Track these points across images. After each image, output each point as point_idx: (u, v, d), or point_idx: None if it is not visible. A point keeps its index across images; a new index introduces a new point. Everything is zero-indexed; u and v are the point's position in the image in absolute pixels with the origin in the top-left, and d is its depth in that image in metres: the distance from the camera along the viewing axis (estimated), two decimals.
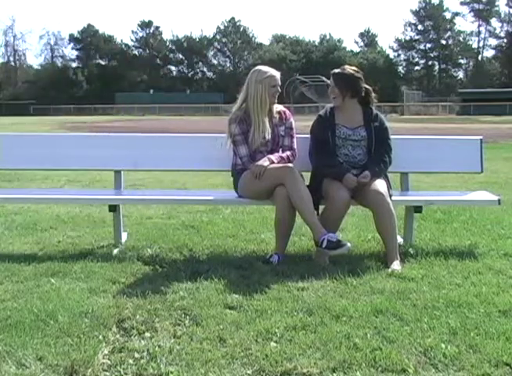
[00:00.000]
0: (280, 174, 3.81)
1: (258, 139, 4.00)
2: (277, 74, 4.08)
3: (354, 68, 4.18)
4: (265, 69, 4.10)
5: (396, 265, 3.70)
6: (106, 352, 2.43)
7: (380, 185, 3.92)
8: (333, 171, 3.97)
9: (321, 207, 4.04)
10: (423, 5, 76.91)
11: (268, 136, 4.03)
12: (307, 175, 4.12)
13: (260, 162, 3.93)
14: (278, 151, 4.09)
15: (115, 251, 4.10)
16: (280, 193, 3.80)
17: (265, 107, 4.01)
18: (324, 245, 3.66)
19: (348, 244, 3.70)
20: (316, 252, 3.92)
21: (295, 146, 4.14)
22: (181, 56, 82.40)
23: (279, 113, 4.15)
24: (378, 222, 3.89)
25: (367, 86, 4.17)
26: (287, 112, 4.21)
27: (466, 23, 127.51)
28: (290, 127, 4.15)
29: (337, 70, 4.15)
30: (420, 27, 77.69)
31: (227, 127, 4.09)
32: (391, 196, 3.95)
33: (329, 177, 3.97)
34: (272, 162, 3.93)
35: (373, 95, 4.20)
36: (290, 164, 3.90)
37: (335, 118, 4.11)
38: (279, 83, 4.08)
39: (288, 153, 4.08)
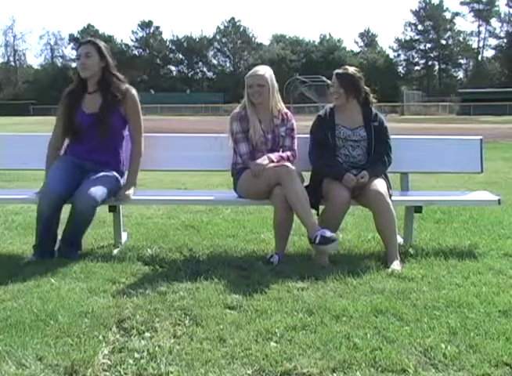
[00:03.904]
0: (277, 172, 3.81)
1: (254, 137, 4.01)
2: (258, 74, 4.06)
3: (355, 68, 4.19)
4: (253, 68, 4.18)
5: (396, 265, 3.70)
6: (106, 352, 2.43)
7: (380, 185, 3.92)
8: (332, 171, 3.97)
9: (321, 208, 4.04)
10: (423, 5, 76.92)
11: (269, 136, 4.04)
12: (307, 175, 4.12)
13: (259, 161, 3.93)
14: (278, 151, 4.10)
15: (115, 251, 4.10)
16: (278, 193, 3.80)
17: (252, 106, 4.06)
18: (317, 241, 3.66)
19: (337, 239, 3.69)
20: (316, 252, 3.92)
21: (295, 147, 4.14)
22: (181, 56, 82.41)
23: (281, 113, 4.16)
24: (378, 221, 3.89)
25: (366, 87, 4.17)
26: (289, 113, 4.23)
27: (466, 23, 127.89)
28: (291, 128, 4.16)
29: (341, 71, 4.14)
30: (420, 27, 77.70)
31: (228, 125, 4.11)
32: (390, 196, 3.95)
33: (329, 177, 3.97)
34: (272, 161, 3.94)
35: (372, 95, 4.20)
36: (288, 163, 3.90)
37: (335, 118, 4.11)
38: (259, 82, 4.04)
39: (288, 153, 4.08)
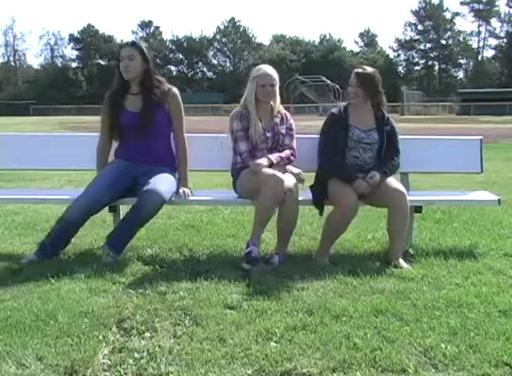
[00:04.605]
0: (262, 179, 3.78)
1: (255, 136, 4.01)
2: (270, 74, 4.04)
3: (374, 69, 4.09)
4: (260, 67, 4.14)
5: (403, 263, 3.72)
6: (106, 352, 2.43)
7: (398, 184, 3.94)
8: (343, 174, 3.91)
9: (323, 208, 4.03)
10: (423, 5, 76.91)
11: (269, 134, 4.04)
12: (308, 175, 4.11)
13: (259, 160, 3.93)
14: (278, 149, 4.09)
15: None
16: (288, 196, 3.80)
17: (256, 105, 4.04)
18: (246, 251, 3.72)
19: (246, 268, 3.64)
20: (316, 252, 3.92)
21: (295, 146, 4.15)
22: (181, 56, 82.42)
23: (280, 113, 4.17)
24: (394, 219, 3.86)
25: (381, 89, 4.09)
26: (287, 114, 4.24)
27: (466, 23, 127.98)
28: (290, 127, 4.17)
29: (361, 70, 4.04)
30: (420, 27, 77.69)
31: (228, 123, 4.11)
32: None
33: (339, 178, 3.91)
34: (271, 162, 3.93)
35: (384, 97, 4.12)
36: (280, 176, 3.78)
37: (349, 119, 4.04)
38: (272, 82, 4.04)
39: (288, 152, 4.08)
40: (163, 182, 3.89)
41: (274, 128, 4.08)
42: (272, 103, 4.12)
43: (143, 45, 4.11)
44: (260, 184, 3.78)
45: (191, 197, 4.08)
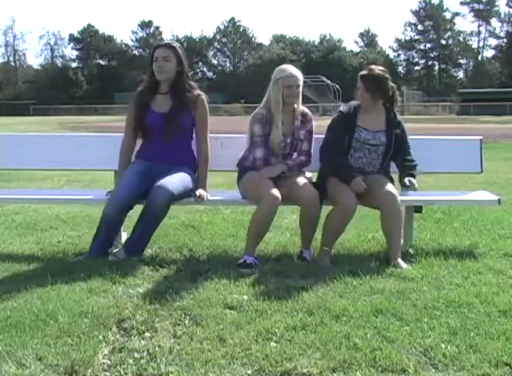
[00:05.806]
0: (259, 193, 3.79)
1: (275, 142, 3.95)
2: (295, 75, 3.93)
3: (381, 68, 4.05)
4: (285, 68, 4.00)
5: (402, 263, 3.72)
6: (106, 352, 2.43)
7: (390, 186, 3.93)
8: (342, 173, 3.91)
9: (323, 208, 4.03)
10: (423, 5, 76.87)
11: (288, 140, 3.99)
12: (314, 175, 4.11)
13: (272, 168, 3.93)
14: (293, 155, 4.06)
15: (115, 251, 4.08)
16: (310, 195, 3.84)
17: (279, 108, 3.93)
18: (240, 262, 3.70)
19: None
20: (318, 252, 3.92)
21: (312, 151, 4.10)
22: None
23: (302, 115, 4.07)
24: (386, 222, 3.86)
25: (393, 84, 4.05)
26: (309, 114, 4.13)
27: (466, 23, 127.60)
28: (310, 130, 4.09)
29: (365, 72, 4.01)
30: (420, 27, 77.64)
31: (249, 124, 4.03)
32: None
33: (339, 178, 3.91)
34: (284, 171, 3.93)
35: (397, 93, 4.09)
36: (276, 194, 3.74)
37: (357, 119, 4.01)
38: (298, 83, 3.93)
39: (302, 158, 4.05)
40: (173, 178, 3.87)
41: (294, 133, 4.01)
42: (295, 104, 4.02)
43: (178, 46, 4.10)
44: (259, 194, 3.79)
45: (207, 198, 4.03)
